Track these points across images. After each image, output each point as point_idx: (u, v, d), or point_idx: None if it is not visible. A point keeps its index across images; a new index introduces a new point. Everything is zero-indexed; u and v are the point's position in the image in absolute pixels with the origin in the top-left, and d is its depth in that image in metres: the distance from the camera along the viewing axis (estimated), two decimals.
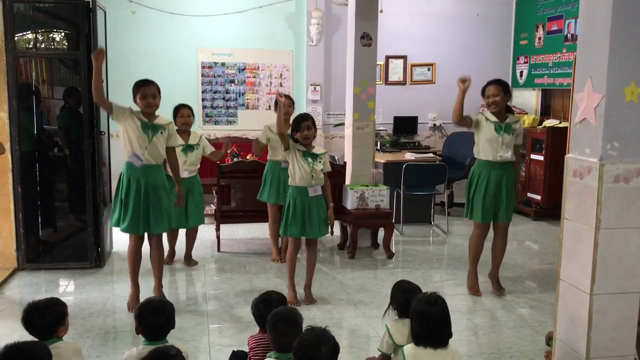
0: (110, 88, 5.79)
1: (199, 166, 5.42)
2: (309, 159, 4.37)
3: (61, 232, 5.72)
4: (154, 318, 2.74)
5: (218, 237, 5.96)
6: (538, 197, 7.51)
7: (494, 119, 4.56)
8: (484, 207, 4.60)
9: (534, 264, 5.84)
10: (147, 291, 4.49)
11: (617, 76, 2.41)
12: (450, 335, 2.75)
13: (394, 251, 5.99)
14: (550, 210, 7.42)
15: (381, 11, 6.47)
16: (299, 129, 4.35)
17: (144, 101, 4.12)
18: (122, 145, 4.21)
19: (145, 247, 4.39)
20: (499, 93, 4.52)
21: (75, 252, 5.37)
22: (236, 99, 8.31)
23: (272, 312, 2.77)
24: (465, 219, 4.87)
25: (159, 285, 4.45)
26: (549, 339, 3.49)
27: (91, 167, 5.17)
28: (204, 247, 5.99)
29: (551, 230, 7.06)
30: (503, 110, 4.59)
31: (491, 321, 4.35)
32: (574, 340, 2.64)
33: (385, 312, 3.28)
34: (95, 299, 4.61)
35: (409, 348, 2.75)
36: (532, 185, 7.62)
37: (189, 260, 5.56)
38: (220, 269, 5.46)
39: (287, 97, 5.60)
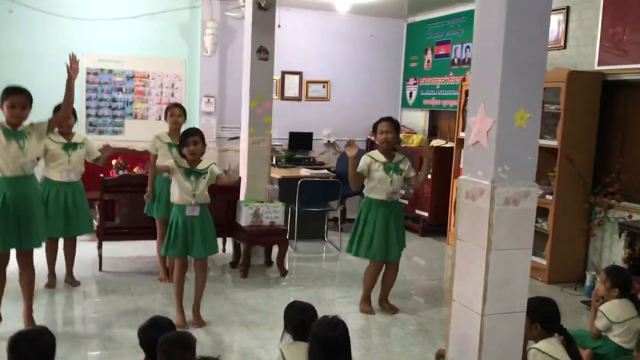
0: None
1: (83, 170, 5.07)
2: (192, 177, 4.19)
3: None
4: (30, 351, 2.44)
5: (100, 255, 5.57)
6: (425, 214, 7.76)
7: (382, 159, 4.64)
8: (373, 244, 4.64)
9: (422, 279, 5.99)
10: (16, 316, 4.08)
11: (508, 102, 2.49)
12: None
13: (287, 268, 5.91)
14: (436, 227, 7.69)
15: (279, 26, 6.41)
16: (185, 144, 4.17)
17: (11, 110, 3.79)
18: None
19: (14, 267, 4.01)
20: (391, 130, 4.62)
21: None
22: (124, 107, 7.91)
23: (164, 337, 2.59)
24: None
25: (28, 310, 4.07)
26: (439, 357, 3.55)
27: None
28: (84, 267, 5.55)
29: (437, 246, 7.31)
30: (392, 148, 4.69)
31: (383, 339, 4.38)
32: (465, 359, 2.67)
33: (282, 336, 3.17)
34: None
35: None
36: (419, 203, 7.86)
37: (70, 279, 5.16)
38: (102, 289, 5.10)
39: (178, 105, 5.38)
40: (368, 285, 4.82)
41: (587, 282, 5.52)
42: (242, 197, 6.04)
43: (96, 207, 5.62)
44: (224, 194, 5.84)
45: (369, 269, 4.82)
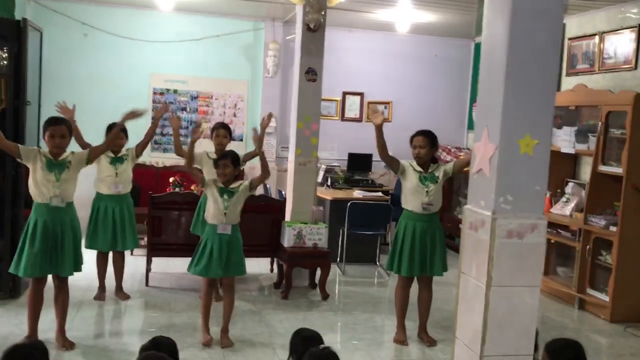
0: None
1: (131, 185, 5.25)
2: (225, 196, 4.23)
3: None
4: None
5: (147, 270, 5.72)
6: None
7: (418, 168, 4.50)
8: (412, 261, 4.45)
9: None
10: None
11: (511, 127, 2.31)
12: None
13: (331, 292, 5.80)
14: None
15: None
16: (216, 166, 4.25)
17: (51, 140, 3.97)
18: (30, 187, 4.03)
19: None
20: (425, 145, 4.45)
21: None
22: (187, 127, 8.15)
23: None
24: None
25: (60, 329, 4.18)
26: None
27: (11, 191, 4.94)
28: (133, 281, 5.72)
29: None
30: (428, 163, 4.52)
31: None
32: None
33: None
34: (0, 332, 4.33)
35: None
36: None
37: (120, 294, 5.31)
38: (144, 304, 5.21)
39: (223, 126, 5.44)
40: (400, 305, 4.62)
41: None
42: (287, 217, 6.02)
43: (145, 223, 5.79)
44: (270, 214, 5.88)
45: (398, 285, 4.64)
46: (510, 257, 2.34)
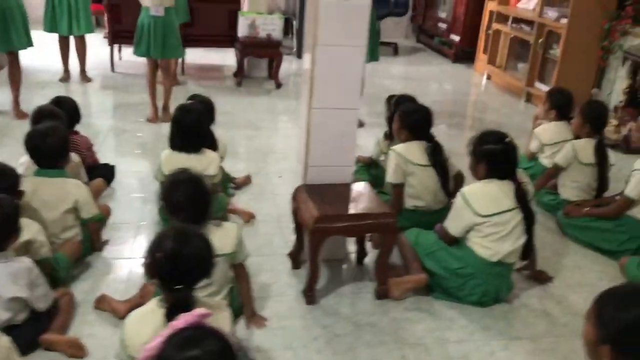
0: None
1: None
2: None
3: None
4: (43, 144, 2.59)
5: (112, 57, 6.05)
6: (457, 39, 7.41)
7: None
8: None
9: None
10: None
11: None
12: (202, 144, 2.96)
13: (290, 83, 6.09)
14: (469, 53, 7.36)
15: None
16: None
17: None
18: None
19: None
20: None
21: None
22: None
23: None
24: None
25: (15, 101, 4.63)
26: None
27: None
28: (101, 67, 6.08)
29: (466, 73, 7.10)
30: None
31: None
32: (301, 151, 2.82)
33: None
34: None
35: (166, 153, 2.98)
36: (454, 27, 7.48)
37: (83, 76, 5.70)
38: (105, 86, 5.64)
39: None
40: None
41: None
42: (245, 7, 6.10)
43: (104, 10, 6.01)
44: (227, 4, 6.00)
45: None
46: (335, 18, 2.50)
